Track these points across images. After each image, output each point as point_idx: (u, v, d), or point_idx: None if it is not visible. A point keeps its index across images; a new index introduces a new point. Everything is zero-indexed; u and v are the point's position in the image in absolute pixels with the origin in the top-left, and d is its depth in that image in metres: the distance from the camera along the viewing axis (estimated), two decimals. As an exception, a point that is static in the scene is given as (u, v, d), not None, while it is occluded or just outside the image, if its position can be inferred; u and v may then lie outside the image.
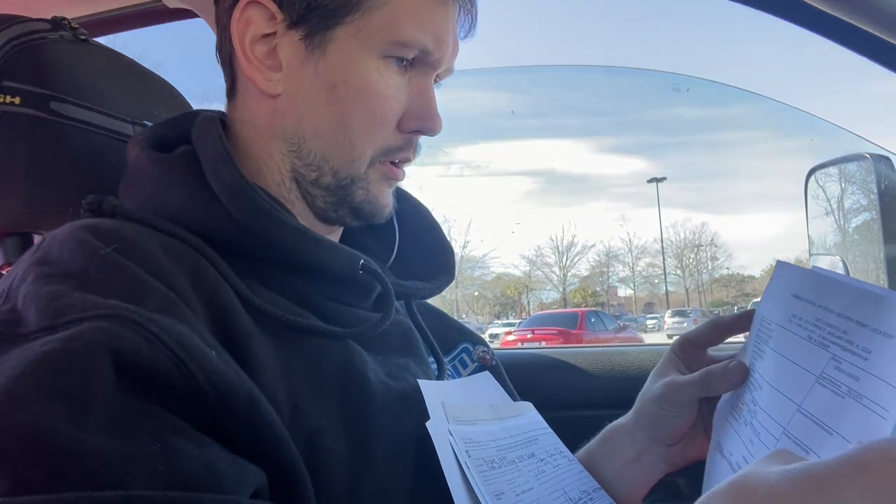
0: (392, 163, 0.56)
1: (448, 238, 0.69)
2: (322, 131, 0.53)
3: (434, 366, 0.61)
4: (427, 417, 0.49)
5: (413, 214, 0.68)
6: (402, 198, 0.65)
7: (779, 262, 0.49)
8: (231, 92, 0.57)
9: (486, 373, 0.64)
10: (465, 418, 0.52)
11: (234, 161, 0.51)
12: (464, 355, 0.68)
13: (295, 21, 0.52)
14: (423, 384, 0.52)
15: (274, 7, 0.52)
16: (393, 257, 0.66)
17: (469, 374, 0.67)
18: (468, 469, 0.46)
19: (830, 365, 0.39)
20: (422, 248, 0.67)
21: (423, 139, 0.58)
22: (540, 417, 0.60)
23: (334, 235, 0.61)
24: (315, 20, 0.52)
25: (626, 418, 0.61)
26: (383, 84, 0.53)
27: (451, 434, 0.49)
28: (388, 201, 0.58)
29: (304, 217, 0.57)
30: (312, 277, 0.52)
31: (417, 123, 0.55)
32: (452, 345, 0.68)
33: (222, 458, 0.35)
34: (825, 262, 1.05)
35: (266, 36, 0.53)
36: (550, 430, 0.59)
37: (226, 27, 0.54)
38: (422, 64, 0.55)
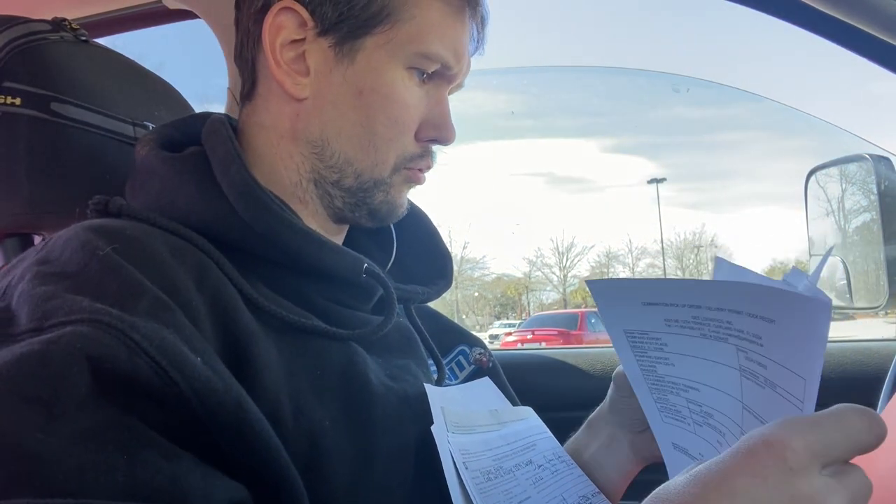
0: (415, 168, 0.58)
1: (448, 241, 0.71)
2: (347, 135, 0.54)
3: (433, 368, 0.61)
4: (428, 419, 0.49)
5: (414, 221, 0.69)
6: None
7: (588, 282, 0.44)
8: (250, 95, 0.58)
9: (486, 378, 0.64)
10: (464, 425, 0.52)
11: (244, 163, 0.51)
12: (460, 357, 0.69)
13: (325, 29, 0.53)
14: (428, 388, 0.52)
15: (306, 14, 0.53)
16: (391, 262, 0.66)
17: (466, 376, 0.67)
18: (466, 481, 0.46)
19: (741, 356, 0.38)
20: (421, 253, 0.68)
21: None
22: (540, 422, 0.60)
23: (338, 238, 0.61)
24: (346, 29, 0.53)
25: (604, 404, 0.63)
26: (407, 93, 0.55)
27: (449, 443, 0.49)
28: (404, 202, 0.60)
29: (316, 217, 0.57)
30: (316, 280, 0.53)
31: (434, 133, 0.57)
32: (449, 347, 0.69)
33: (192, 472, 0.34)
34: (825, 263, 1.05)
35: (294, 41, 0.54)
36: (550, 433, 0.59)
37: (249, 31, 0.56)
38: (439, 77, 0.57)
